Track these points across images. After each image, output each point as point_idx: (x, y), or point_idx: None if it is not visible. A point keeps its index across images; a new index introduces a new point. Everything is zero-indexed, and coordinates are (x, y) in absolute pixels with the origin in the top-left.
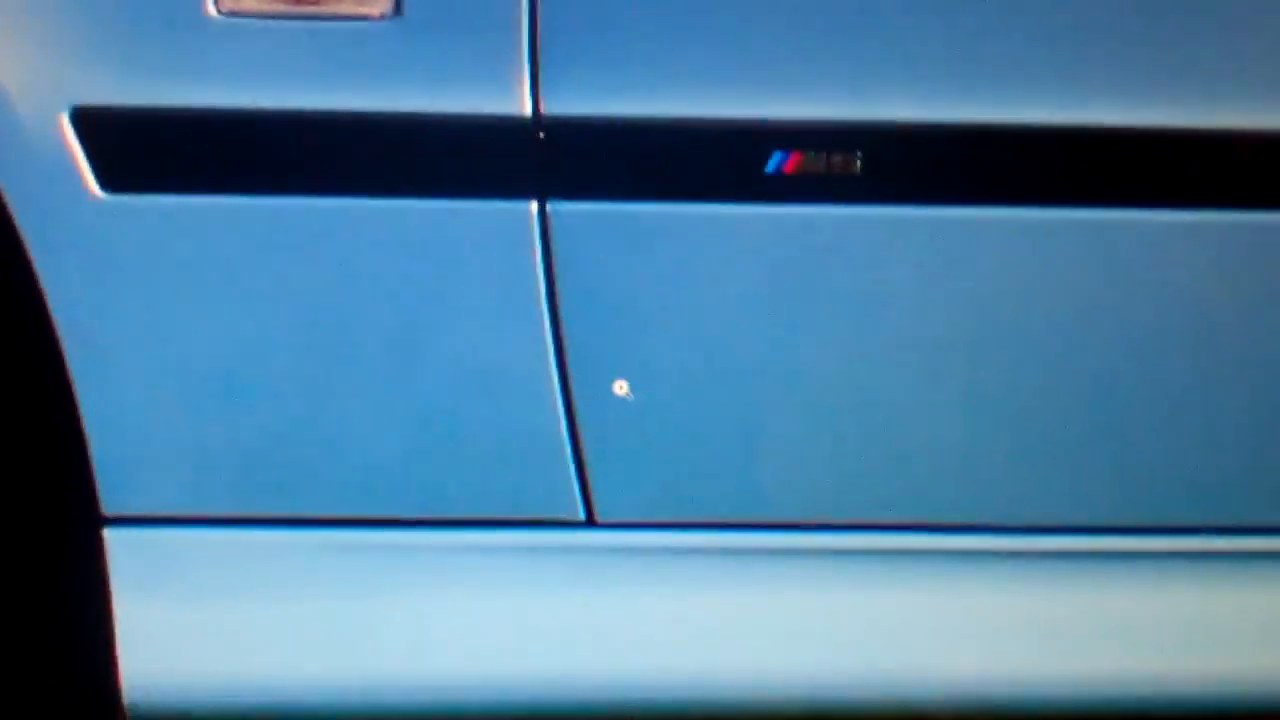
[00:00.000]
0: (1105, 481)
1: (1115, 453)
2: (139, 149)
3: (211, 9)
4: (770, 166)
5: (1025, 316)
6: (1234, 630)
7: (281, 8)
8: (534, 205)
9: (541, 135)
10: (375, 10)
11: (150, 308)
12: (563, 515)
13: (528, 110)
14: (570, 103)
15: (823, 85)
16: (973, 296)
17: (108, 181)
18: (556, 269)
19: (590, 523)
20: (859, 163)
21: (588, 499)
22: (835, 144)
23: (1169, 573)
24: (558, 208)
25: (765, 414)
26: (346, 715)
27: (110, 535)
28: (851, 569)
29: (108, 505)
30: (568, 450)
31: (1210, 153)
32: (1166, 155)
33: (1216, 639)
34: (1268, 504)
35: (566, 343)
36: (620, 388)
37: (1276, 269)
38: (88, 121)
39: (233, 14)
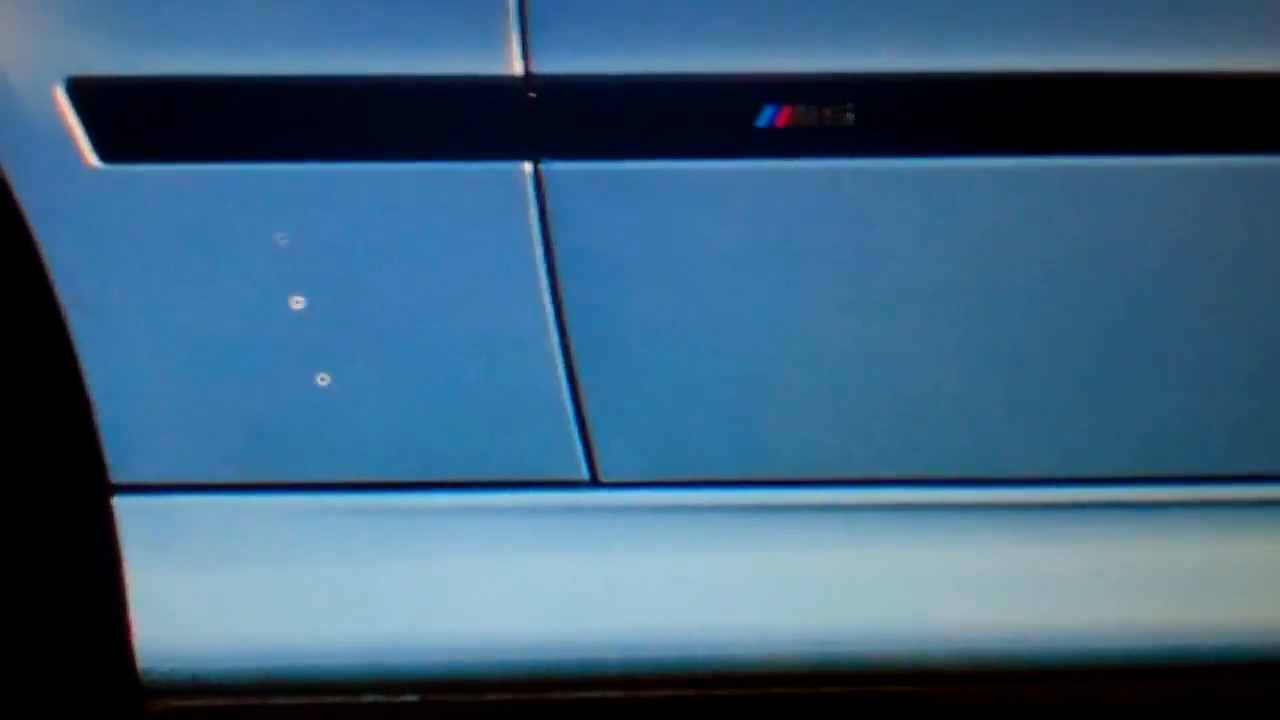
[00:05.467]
0: (1104, 432)
1: (1114, 403)
2: (135, 118)
3: None
4: (762, 120)
5: (1022, 267)
6: (1237, 580)
7: None
8: (528, 166)
9: (533, 95)
10: None
11: (152, 276)
12: (566, 475)
13: (519, 70)
14: (561, 62)
15: (814, 37)
16: (968, 248)
17: (105, 151)
18: (552, 229)
19: (594, 482)
20: (851, 115)
21: (591, 458)
22: (827, 97)
23: (1170, 523)
24: (552, 168)
25: (765, 369)
26: (355, 677)
27: (119, 503)
28: (855, 524)
29: (116, 474)
30: (570, 410)
31: (1206, 97)
32: (1162, 100)
33: (1219, 589)
34: (1269, 451)
35: (565, 303)
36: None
37: (1270, 210)
38: (83, 91)
39: None
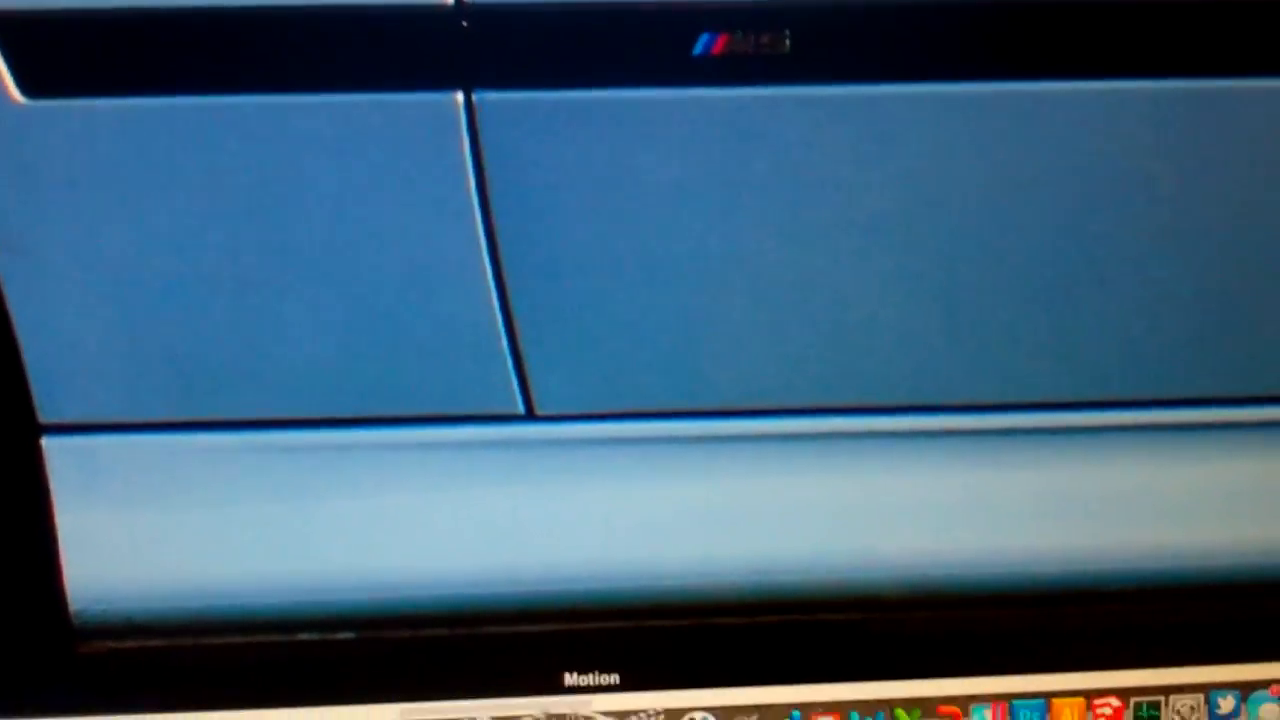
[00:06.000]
0: (1041, 358)
1: (1050, 328)
2: (58, 52)
3: None
4: (698, 48)
5: (960, 193)
6: (1172, 503)
7: None
8: (459, 96)
9: (465, 24)
10: None
11: (78, 213)
12: (502, 409)
13: None
14: None
15: None
16: (906, 175)
17: (28, 86)
18: (486, 160)
19: (530, 416)
20: (788, 42)
21: (526, 392)
22: (763, 24)
23: (1106, 447)
24: (484, 97)
25: (700, 300)
26: (290, 615)
27: (48, 443)
28: (792, 452)
29: (44, 413)
30: (504, 343)
31: (1137, 21)
32: (1094, 25)
33: (1155, 512)
34: (1211, 375)
35: (498, 234)
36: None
37: (1208, 135)
38: (4, 27)
39: None
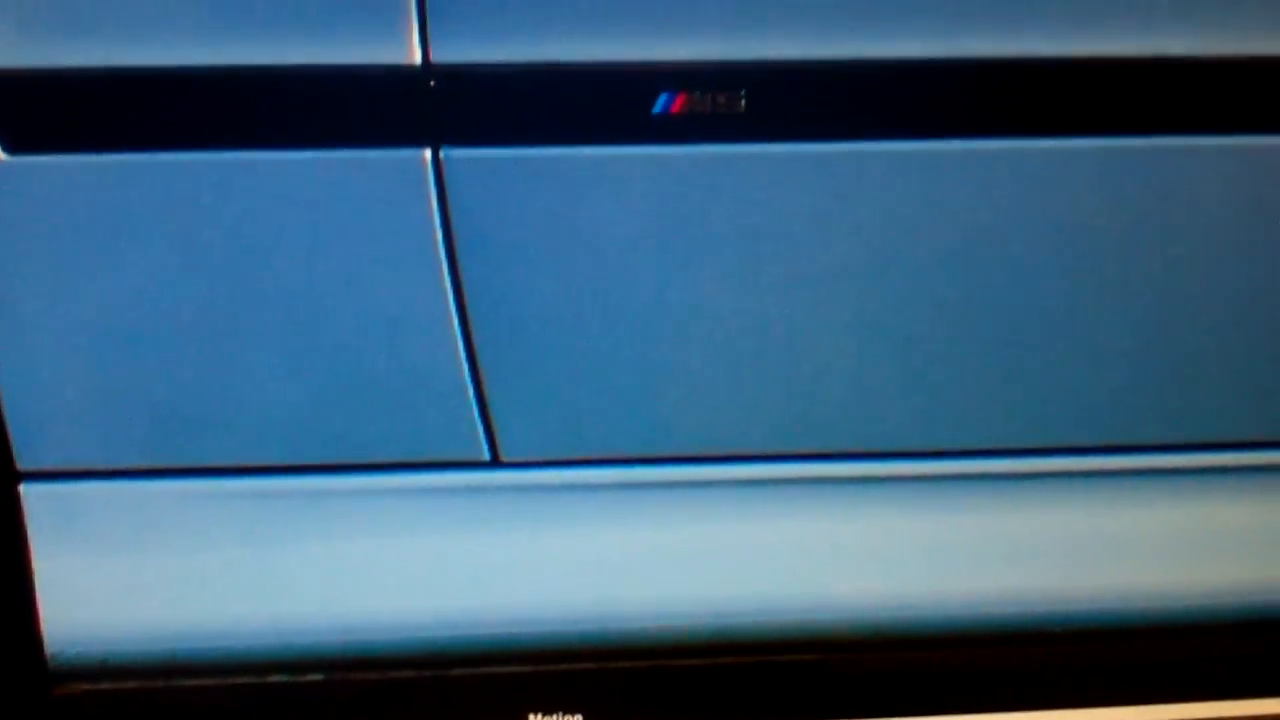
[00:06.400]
0: (990, 406)
1: (998, 378)
2: (38, 110)
3: None
4: (658, 107)
5: (911, 248)
6: (1119, 547)
7: None
8: (428, 153)
9: (432, 83)
10: None
11: (57, 265)
12: (468, 456)
13: (418, 59)
14: (459, 50)
15: (706, 26)
16: (859, 230)
17: (9, 143)
18: (452, 214)
19: (495, 462)
20: (743, 101)
21: (492, 439)
22: (720, 84)
23: (1054, 493)
24: (451, 154)
25: (661, 350)
26: (261, 658)
27: (26, 491)
28: (750, 498)
29: (22, 461)
30: (470, 392)
31: (1090, 80)
32: (1047, 83)
33: (1100, 556)
34: (1152, 422)
35: (465, 286)
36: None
37: (1157, 191)
38: None
39: None
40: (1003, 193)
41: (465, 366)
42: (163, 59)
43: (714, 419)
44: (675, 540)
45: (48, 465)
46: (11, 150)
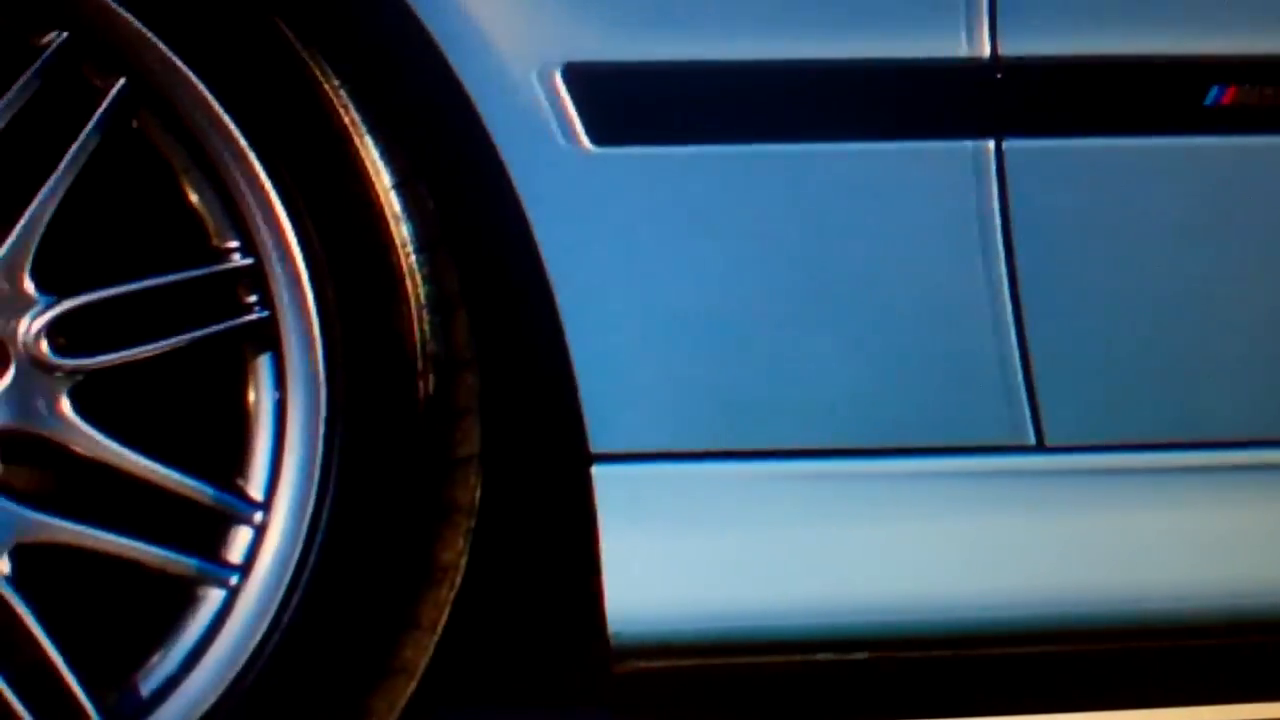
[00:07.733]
0: None
1: None
2: (627, 103)
3: None
4: (1209, 99)
5: None
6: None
7: None
8: (991, 144)
9: (999, 75)
10: None
11: (636, 254)
12: (1013, 440)
13: (986, 52)
14: (1025, 43)
15: (1258, 22)
16: None
17: (598, 135)
18: (1011, 204)
19: (1040, 447)
20: None
21: (1038, 423)
22: (1269, 77)
23: None
24: (1013, 145)
25: (1209, 339)
26: (809, 637)
27: (597, 472)
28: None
29: (595, 444)
30: (1020, 377)
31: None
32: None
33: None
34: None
35: (1019, 273)
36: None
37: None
38: (579, 77)
39: None
40: None
41: (1016, 353)
42: (744, 53)
43: (1259, 405)
44: (1228, 524)
45: (618, 449)
46: (600, 142)
